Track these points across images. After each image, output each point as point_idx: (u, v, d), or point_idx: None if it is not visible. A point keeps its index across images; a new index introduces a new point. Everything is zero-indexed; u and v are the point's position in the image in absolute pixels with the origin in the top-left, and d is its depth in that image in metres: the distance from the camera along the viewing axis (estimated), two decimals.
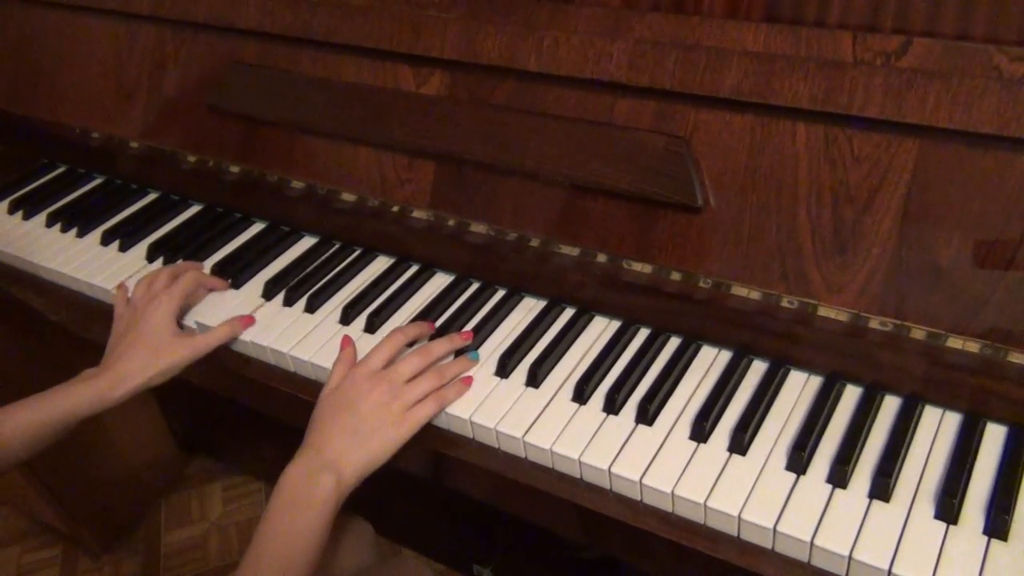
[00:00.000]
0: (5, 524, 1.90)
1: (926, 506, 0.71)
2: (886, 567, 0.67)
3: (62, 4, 1.27)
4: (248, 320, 0.98)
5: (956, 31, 0.74)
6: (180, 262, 1.10)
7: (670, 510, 0.76)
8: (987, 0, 0.73)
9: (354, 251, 1.09)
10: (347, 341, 0.91)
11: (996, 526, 0.68)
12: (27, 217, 1.25)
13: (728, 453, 0.78)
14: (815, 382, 0.84)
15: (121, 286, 1.05)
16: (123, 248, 1.15)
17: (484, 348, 0.92)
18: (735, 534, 0.73)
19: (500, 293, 0.99)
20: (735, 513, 0.72)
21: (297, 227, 1.14)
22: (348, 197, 1.07)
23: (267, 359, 0.98)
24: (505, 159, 0.94)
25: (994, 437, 0.76)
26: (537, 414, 0.83)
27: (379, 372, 0.85)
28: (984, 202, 0.74)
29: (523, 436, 0.81)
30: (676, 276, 0.87)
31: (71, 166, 1.36)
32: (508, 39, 0.92)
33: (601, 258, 0.91)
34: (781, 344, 0.84)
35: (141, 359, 0.93)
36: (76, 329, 1.15)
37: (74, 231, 1.20)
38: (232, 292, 1.05)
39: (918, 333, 0.77)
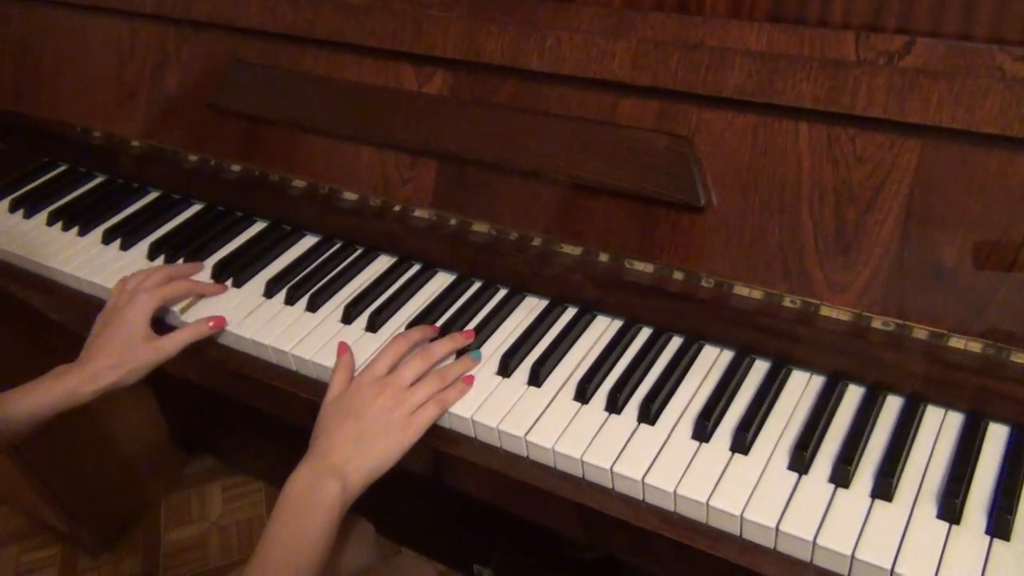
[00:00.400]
0: (4, 523, 1.90)
1: (928, 506, 0.71)
2: (888, 566, 0.67)
3: (64, 3, 1.27)
4: (219, 320, 0.98)
5: (959, 31, 0.74)
6: (180, 263, 1.10)
7: (672, 509, 0.76)
8: (990, 0, 0.73)
9: (356, 250, 1.09)
10: (344, 347, 0.91)
11: (999, 526, 0.68)
12: (28, 216, 1.25)
13: (730, 452, 0.78)
14: (817, 382, 0.84)
15: (122, 281, 1.05)
16: (124, 247, 1.15)
17: (486, 347, 0.92)
18: (737, 533, 0.73)
19: (502, 292, 0.99)
20: (737, 512, 0.72)
21: (299, 226, 1.14)
22: (350, 196, 1.07)
23: (268, 358, 0.98)
24: (507, 158, 0.94)
25: (996, 437, 0.76)
26: (539, 413, 0.83)
27: (383, 378, 0.85)
28: (987, 202, 0.74)
29: (525, 435, 0.81)
30: (678, 276, 0.87)
31: (72, 165, 1.36)
32: (510, 38, 0.92)
33: (603, 257, 0.91)
34: (783, 344, 0.84)
35: (113, 358, 0.94)
36: (76, 328, 1.15)
37: (75, 230, 1.20)
38: (234, 291, 1.05)
39: (920, 333, 0.77)
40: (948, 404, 0.79)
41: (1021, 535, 0.68)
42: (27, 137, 1.38)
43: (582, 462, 0.79)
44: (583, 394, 0.85)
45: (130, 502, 1.85)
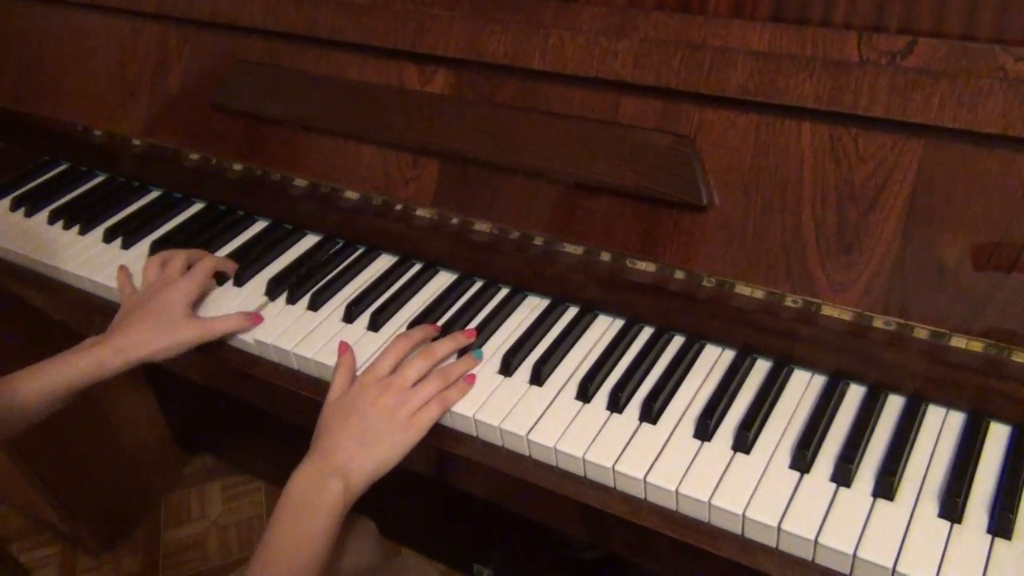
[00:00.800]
0: (4, 522, 1.90)
1: (930, 505, 0.71)
2: (890, 565, 0.67)
3: (66, 1, 1.27)
4: (257, 318, 0.99)
5: (961, 31, 0.75)
6: (194, 249, 1.10)
7: (674, 508, 0.76)
8: (992, 1, 0.73)
9: (357, 249, 1.09)
10: (345, 347, 0.91)
11: (1000, 525, 0.68)
12: (29, 214, 1.25)
13: (732, 451, 0.78)
14: (819, 381, 0.84)
15: (123, 268, 1.07)
16: (125, 245, 1.15)
17: (487, 346, 0.92)
18: (739, 532, 0.74)
19: (503, 292, 0.99)
20: (739, 511, 0.72)
21: (300, 225, 1.14)
22: (351, 195, 1.07)
23: (270, 356, 0.98)
24: (509, 157, 0.94)
25: (998, 437, 0.76)
26: (541, 412, 0.84)
27: (385, 378, 0.85)
28: (988, 202, 0.74)
29: (527, 434, 0.82)
30: (680, 275, 0.87)
31: (73, 163, 1.36)
32: (513, 37, 0.92)
33: (605, 257, 0.91)
34: (785, 343, 0.84)
35: (147, 333, 0.95)
36: (78, 326, 1.15)
37: (76, 228, 1.20)
38: (235, 290, 1.05)
39: (922, 332, 0.77)
40: (949, 403, 0.79)
41: (1022, 534, 0.68)
42: (28, 136, 1.38)
43: (584, 461, 0.79)
44: (585, 393, 0.85)
45: (130, 501, 1.85)
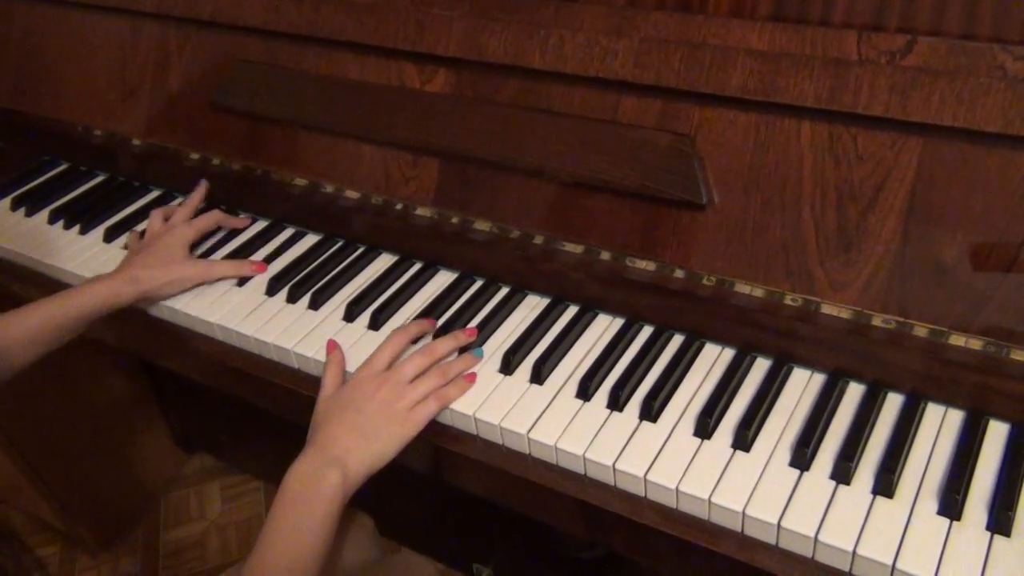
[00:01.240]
0: (4, 522, 1.90)
1: (929, 502, 0.71)
2: (890, 562, 0.67)
3: (66, 1, 1.27)
4: (261, 266, 1.06)
5: (960, 30, 0.75)
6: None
7: (674, 506, 0.76)
8: (991, 0, 0.73)
9: (357, 248, 1.09)
10: (333, 344, 0.92)
11: (999, 522, 0.68)
12: (29, 214, 1.25)
13: (732, 450, 0.78)
14: (818, 379, 0.84)
15: (133, 231, 1.15)
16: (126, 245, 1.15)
17: (488, 345, 0.93)
18: (739, 530, 0.74)
19: (503, 290, 1.00)
20: (739, 509, 0.72)
21: (300, 225, 1.14)
22: (352, 195, 1.07)
23: (270, 355, 0.98)
24: (509, 156, 0.94)
25: (997, 434, 0.77)
26: (541, 411, 0.84)
27: (383, 372, 0.85)
28: (987, 200, 0.74)
29: (527, 432, 0.82)
30: (680, 274, 0.88)
31: (73, 163, 1.36)
32: (513, 37, 0.92)
33: (605, 256, 0.92)
34: (784, 342, 0.85)
35: (155, 267, 1.03)
36: None
37: (77, 228, 1.20)
38: (236, 289, 1.05)
39: (921, 331, 0.78)
40: (948, 401, 0.80)
41: (1021, 531, 0.68)
42: (28, 135, 1.38)
43: (584, 459, 0.79)
44: (585, 392, 0.85)
45: (129, 501, 1.85)
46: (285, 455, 0.81)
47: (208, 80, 1.16)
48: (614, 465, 0.78)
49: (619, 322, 0.94)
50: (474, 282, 1.02)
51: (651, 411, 0.82)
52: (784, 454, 0.77)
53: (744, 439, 0.78)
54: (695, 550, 0.75)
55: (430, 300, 0.99)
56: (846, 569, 0.70)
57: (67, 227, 1.21)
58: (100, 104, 1.27)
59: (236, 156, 1.16)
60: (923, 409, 0.80)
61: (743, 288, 0.85)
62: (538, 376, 0.87)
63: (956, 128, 0.73)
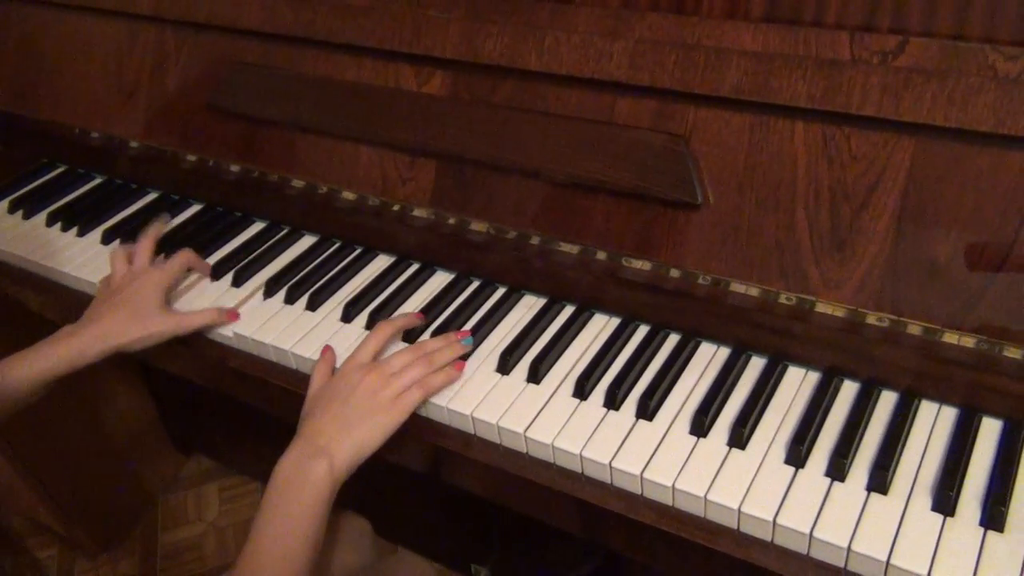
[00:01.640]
0: (1, 525, 1.89)
1: (923, 499, 0.72)
2: (884, 558, 0.68)
3: (63, 4, 1.27)
4: (233, 315, 1.00)
5: (952, 31, 0.76)
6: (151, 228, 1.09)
7: (670, 504, 0.77)
8: (982, 0, 0.74)
9: (355, 250, 1.10)
10: (328, 349, 0.93)
11: (992, 518, 0.69)
12: (27, 216, 1.25)
13: (728, 447, 0.78)
14: (813, 377, 0.85)
15: (102, 281, 1.07)
16: None
17: (485, 345, 0.93)
18: (735, 527, 0.74)
19: (500, 291, 1.00)
20: (735, 506, 0.73)
21: (298, 226, 1.15)
22: (349, 196, 1.08)
23: (268, 356, 0.98)
24: (506, 158, 0.94)
25: (990, 431, 0.77)
26: (538, 410, 0.84)
27: (368, 363, 0.86)
28: (979, 199, 0.75)
29: (525, 431, 0.82)
30: (675, 273, 0.88)
31: (71, 166, 1.36)
32: (509, 39, 0.93)
33: (601, 256, 0.92)
34: (779, 340, 0.85)
35: (124, 322, 0.95)
36: None
37: (74, 230, 1.20)
38: (233, 290, 1.06)
39: (914, 328, 0.78)
40: (942, 399, 0.80)
41: (1015, 526, 0.69)
42: (26, 138, 1.38)
43: (581, 457, 0.80)
44: (582, 391, 0.85)
45: (127, 503, 1.85)
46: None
47: (205, 82, 1.17)
48: (611, 463, 0.78)
49: (615, 322, 0.94)
50: (471, 283, 1.02)
51: (647, 410, 0.82)
52: (779, 452, 0.77)
53: (739, 437, 0.78)
54: (692, 548, 0.75)
55: (427, 301, 1.00)
56: (841, 565, 0.70)
57: (65, 229, 1.21)
58: (97, 107, 1.27)
59: (233, 158, 1.16)
60: (917, 406, 0.80)
61: (738, 287, 0.85)
62: (535, 375, 0.88)
63: (948, 128, 0.74)
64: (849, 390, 0.83)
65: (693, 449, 0.79)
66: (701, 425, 0.80)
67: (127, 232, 1.17)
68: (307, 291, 1.03)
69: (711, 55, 0.83)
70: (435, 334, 0.95)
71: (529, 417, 0.83)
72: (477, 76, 0.97)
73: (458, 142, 0.97)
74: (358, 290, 1.02)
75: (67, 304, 1.14)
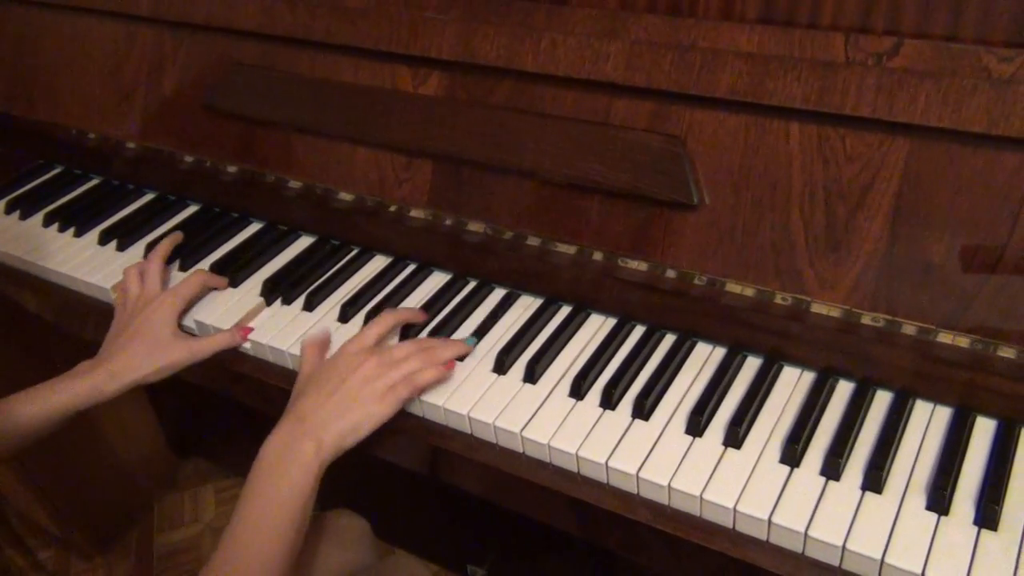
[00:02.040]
0: None
1: (918, 497, 0.72)
2: (879, 557, 0.68)
3: (61, 5, 1.27)
4: (245, 332, 0.99)
5: (946, 32, 0.76)
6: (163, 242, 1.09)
7: (666, 503, 0.77)
8: (976, 2, 0.74)
9: (352, 250, 1.10)
10: (323, 332, 0.94)
11: (986, 516, 0.69)
12: (24, 217, 1.25)
13: (723, 447, 0.79)
14: (808, 377, 0.85)
15: (115, 288, 1.07)
16: (121, 247, 1.16)
17: (482, 345, 0.93)
18: (730, 526, 0.74)
19: (497, 291, 1.00)
20: (730, 505, 0.73)
21: (295, 226, 1.15)
22: (346, 196, 1.08)
23: (265, 356, 0.98)
24: (503, 158, 0.95)
25: (984, 430, 0.78)
26: (535, 410, 0.84)
27: (370, 348, 0.86)
28: (973, 199, 0.75)
29: (521, 431, 0.82)
30: (671, 274, 0.88)
31: (68, 167, 1.36)
32: (505, 40, 0.93)
33: (597, 256, 0.92)
34: (775, 340, 0.86)
35: (139, 355, 0.94)
36: (72, 328, 1.15)
37: (71, 231, 1.20)
38: (231, 290, 1.06)
39: (909, 328, 0.79)
40: (936, 398, 0.81)
41: (1008, 525, 0.69)
42: (23, 139, 1.38)
43: (577, 457, 0.80)
44: (578, 391, 0.86)
45: (123, 505, 1.84)
46: None
47: (202, 83, 1.17)
48: (607, 463, 0.78)
49: (612, 322, 0.95)
50: (467, 283, 1.02)
51: (643, 409, 0.82)
52: (775, 451, 0.78)
53: (735, 436, 0.79)
54: (688, 547, 0.76)
55: (424, 301, 1.00)
56: (836, 564, 0.70)
57: (62, 230, 1.21)
58: (95, 108, 1.27)
59: (230, 159, 1.16)
60: (911, 406, 0.81)
61: (734, 287, 0.86)
62: (532, 375, 0.88)
63: (942, 129, 0.74)
64: (844, 390, 0.83)
65: (689, 448, 0.79)
66: (697, 425, 0.80)
67: (124, 233, 1.17)
68: (304, 291, 1.03)
69: (707, 56, 0.83)
70: (432, 334, 0.95)
71: (525, 417, 0.84)
72: (474, 77, 0.97)
73: (455, 143, 0.97)
74: (355, 290, 1.02)
75: (64, 305, 1.14)
